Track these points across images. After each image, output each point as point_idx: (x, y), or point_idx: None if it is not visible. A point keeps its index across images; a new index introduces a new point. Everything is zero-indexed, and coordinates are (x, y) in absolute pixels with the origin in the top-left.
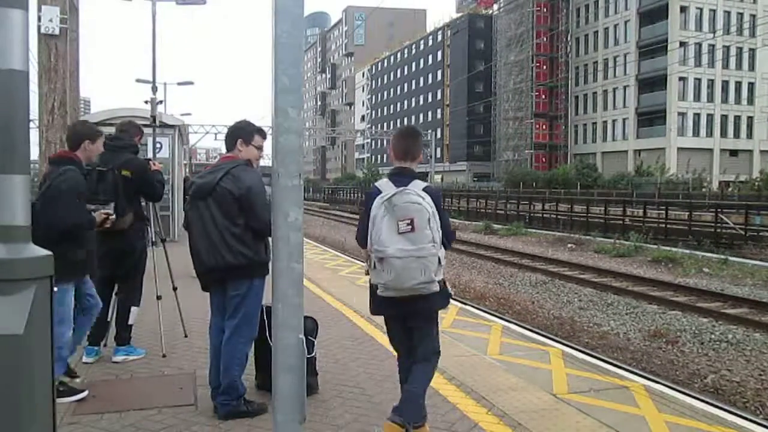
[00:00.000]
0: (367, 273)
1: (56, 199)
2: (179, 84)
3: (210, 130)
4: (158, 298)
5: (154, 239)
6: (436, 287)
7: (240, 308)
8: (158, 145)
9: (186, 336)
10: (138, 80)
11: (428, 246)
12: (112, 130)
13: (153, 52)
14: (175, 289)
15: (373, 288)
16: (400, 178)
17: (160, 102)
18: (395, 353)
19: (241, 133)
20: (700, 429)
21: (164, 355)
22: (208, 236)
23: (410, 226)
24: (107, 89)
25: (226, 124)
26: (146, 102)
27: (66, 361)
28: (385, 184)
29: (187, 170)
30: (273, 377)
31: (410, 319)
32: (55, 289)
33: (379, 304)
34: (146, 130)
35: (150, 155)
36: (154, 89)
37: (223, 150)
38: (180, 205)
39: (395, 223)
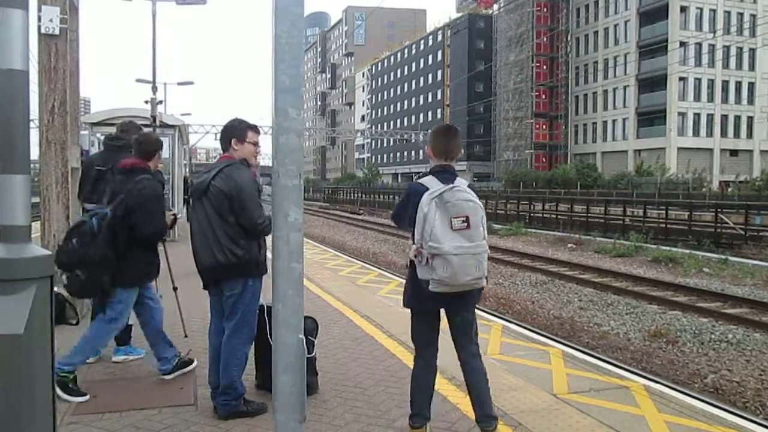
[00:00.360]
0: (416, 257)
1: (142, 207)
2: (179, 84)
3: (210, 130)
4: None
5: None
6: (485, 282)
7: (236, 308)
8: None
9: (186, 336)
10: (138, 80)
11: (483, 243)
12: (112, 130)
13: (153, 52)
14: (175, 289)
15: (416, 283)
16: (446, 175)
17: (160, 102)
18: (414, 350)
19: (234, 132)
20: (700, 429)
21: None
22: (203, 235)
23: (465, 224)
24: (107, 89)
25: None
26: (146, 102)
27: (96, 354)
28: (430, 181)
29: (187, 170)
30: (273, 377)
31: (456, 312)
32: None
33: (424, 298)
34: (146, 130)
35: None
36: (154, 89)
37: None
38: (180, 205)
39: (448, 220)
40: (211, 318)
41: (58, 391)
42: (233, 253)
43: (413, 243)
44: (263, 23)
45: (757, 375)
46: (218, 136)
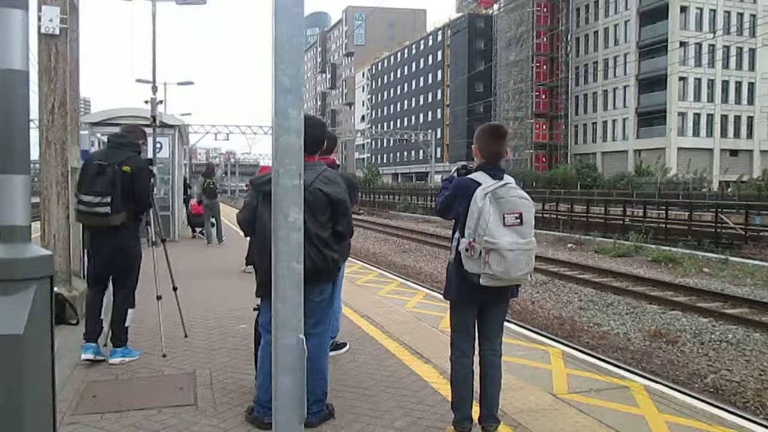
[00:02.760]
0: (467, 250)
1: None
2: (179, 84)
3: (210, 130)
4: (158, 298)
5: (154, 239)
6: (530, 277)
7: (326, 312)
8: (158, 145)
9: (186, 336)
10: (138, 80)
11: (533, 240)
12: (111, 130)
13: (153, 52)
14: (175, 289)
15: (462, 276)
16: (496, 171)
17: (160, 102)
18: (459, 343)
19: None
20: (700, 429)
21: (164, 355)
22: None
23: (519, 220)
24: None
25: (227, 124)
26: (146, 102)
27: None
28: (481, 176)
29: (187, 170)
30: (273, 377)
31: (494, 306)
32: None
33: (471, 291)
34: (146, 130)
35: (150, 155)
36: (154, 89)
37: (224, 150)
38: (180, 205)
39: (501, 216)
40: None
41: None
42: (332, 258)
43: (461, 236)
44: (263, 23)
45: (757, 375)
46: (218, 136)
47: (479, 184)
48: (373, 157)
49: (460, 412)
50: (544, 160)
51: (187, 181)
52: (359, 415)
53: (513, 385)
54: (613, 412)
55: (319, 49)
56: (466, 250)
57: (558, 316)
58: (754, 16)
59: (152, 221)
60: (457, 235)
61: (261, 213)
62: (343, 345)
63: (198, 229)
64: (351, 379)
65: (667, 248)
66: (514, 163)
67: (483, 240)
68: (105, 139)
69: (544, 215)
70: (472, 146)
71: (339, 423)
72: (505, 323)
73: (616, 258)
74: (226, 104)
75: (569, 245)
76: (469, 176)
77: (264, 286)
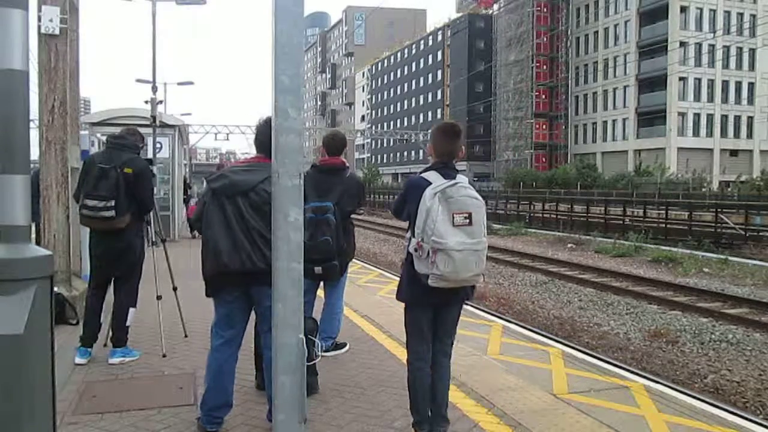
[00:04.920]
0: (416, 250)
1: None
2: (179, 84)
3: (210, 130)
4: (158, 298)
5: (154, 239)
6: (482, 279)
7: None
8: (158, 145)
9: (186, 336)
10: (138, 80)
11: (483, 240)
12: (111, 130)
13: (153, 52)
14: (175, 289)
15: (413, 277)
16: (448, 171)
17: (160, 102)
18: (410, 350)
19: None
20: (700, 429)
21: (164, 355)
22: (247, 238)
23: (468, 220)
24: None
25: (227, 124)
26: (146, 102)
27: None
28: (432, 176)
29: (187, 170)
30: (273, 377)
31: (446, 308)
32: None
33: (420, 292)
34: (146, 130)
35: (150, 155)
36: (154, 89)
37: (224, 150)
38: (180, 205)
39: (450, 215)
40: (223, 331)
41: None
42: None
43: (412, 236)
44: (263, 23)
45: (757, 375)
46: (218, 136)
47: (430, 183)
48: (373, 157)
49: (418, 414)
50: (544, 160)
51: (188, 181)
52: (358, 415)
53: (513, 385)
54: (613, 412)
55: (319, 49)
56: (415, 250)
57: (558, 316)
58: (754, 16)
59: (152, 221)
60: (408, 235)
61: (208, 211)
62: (344, 345)
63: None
64: (351, 379)
65: (667, 248)
66: (514, 163)
67: (431, 240)
68: (104, 139)
69: (544, 215)
70: (427, 145)
71: (339, 423)
72: (505, 323)
73: (616, 258)
74: (227, 104)
75: (569, 245)
76: (421, 175)
77: (208, 286)
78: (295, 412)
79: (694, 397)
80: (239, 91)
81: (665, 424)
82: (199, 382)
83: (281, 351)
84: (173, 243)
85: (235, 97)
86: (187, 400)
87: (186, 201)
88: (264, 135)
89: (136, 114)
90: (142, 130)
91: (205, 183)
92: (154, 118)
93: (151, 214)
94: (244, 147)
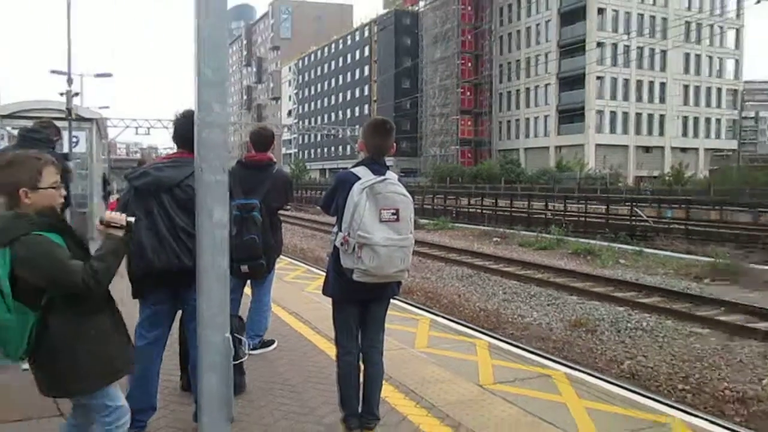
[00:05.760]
0: (342, 245)
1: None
2: (97, 76)
3: (130, 124)
4: None
5: None
6: (407, 275)
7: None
8: (75, 140)
9: None
10: (53, 71)
11: (410, 236)
12: (22, 123)
13: (68, 42)
14: None
15: (339, 271)
16: (377, 167)
17: (76, 94)
18: (336, 346)
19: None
20: (617, 413)
21: None
22: (173, 236)
23: (395, 216)
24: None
25: (148, 118)
26: (62, 94)
27: None
28: (362, 171)
29: (106, 166)
30: (198, 377)
31: (373, 303)
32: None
33: (347, 288)
34: (62, 124)
35: (66, 150)
36: (70, 81)
37: (145, 144)
38: (99, 202)
39: (378, 211)
40: (147, 332)
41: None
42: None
43: (339, 231)
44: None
45: (669, 360)
46: (139, 130)
47: (359, 179)
48: (301, 152)
49: (346, 408)
50: (469, 155)
51: (107, 177)
52: (287, 412)
53: (441, 378)
54: (537, 401)
55: (245, 42)
56: (342, 244)
57: (484, 308)
58: (665, 19)
59: (69, 219)
60: (335, 229)
61: (131, 210)
62: (271, 342)
63: None
64: (279, 376)
65: (586, 241)
66: (441, 159)
67: (357, 234)
68: (15, 133)
69: (470, 210)
70: (358, 140)
71: (267, 422)
72: (433, 317)
73: (539, 251)
74: (148, 98)
75: (494, 239)
76: (351, 170)
77: (135, 287)
78: (222, 412)
79: (611, 383)
80: (161, 85)
81: (585, 409)
82: (121, 383)
83: (207, 350)
84: (91, 241)
85: (157, 91)
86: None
87: (105, 197)
88: (184, 129)
89: (50, 107)
90: (57, 123)
91: (126, 180)
92: (69, 110)
93: (68, 211)
94: (167, 142)
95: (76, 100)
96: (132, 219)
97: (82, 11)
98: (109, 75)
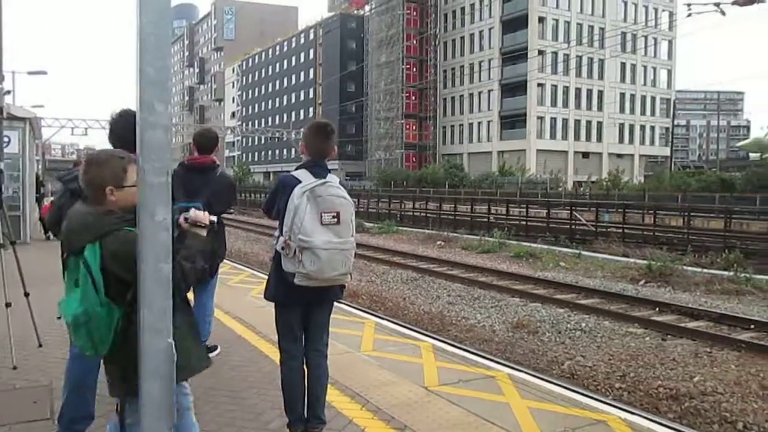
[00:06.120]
0: (283, 249)
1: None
2: (30, 73)
3: (66, 124)
4: (7, 305)
5: (2, 241)
6: (349, 278)
7: None
8: (6, 140)
9: (40, 346)
10: None
11: (351, 239)
12: None
13: None
14: (27, 294)
15: (281, 275)
16: (318, 169)
17: (8, 92)
18: (280, 351)
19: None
20: (558, 412)
21: (15, 368)
22: None
23: (336, 219)
24: None
25: (85, 118)
26: None
27: None
28: (303, 174)
29: (40, 167)
30: (140, 383)
31: (316, 307)
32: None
33: (289, 292)
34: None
35: None
36: (1, 78)
37: (82, 146)
38: (32, 205)
39: (318, 214)
40: None
41: None
42: None
43: (280, 235)
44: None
45: (607, 360)
46: (75, 130)
47: (300, 182)
48: (244, 155)
49: (291, 413)
50: (414, 159)
51: (41, 179)
52: (232, 419)
53: (386, 380)
54: (481, 402)
55: (187, 42)
56: (283, 248)
57: (428, 311)
58: (603, 29)
59: (0, 222)
60: (276, 233)
61: (66, 213)
62: (214, 348)
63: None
64: (223, 383)
65: (528, 244)
66: (386, 163)
67: (297, 238)
68: None
69: (415, 213)
70: (300, 143)
71: (211, 429)
72: (378, 320)
73: (482, 254)
74: (85, 97)
75: (438, 242)
76: (292, 173)
77: None
78: (163, 420)
79: (552, 383)
80: (99, 84)
81: (528, 409)
82: (57, 394)
83: (149, 356)
84: (24, 245)
85: (95, 90)
86: (43, 414)
87: (39, 200)
88: (123, 129)
89: None
90: None
91: (60, 183)
92: (0, 109)
93: None
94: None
95: (7, 98)
96: (215, 218)
97: (14, 3)
98: (43, 72)
